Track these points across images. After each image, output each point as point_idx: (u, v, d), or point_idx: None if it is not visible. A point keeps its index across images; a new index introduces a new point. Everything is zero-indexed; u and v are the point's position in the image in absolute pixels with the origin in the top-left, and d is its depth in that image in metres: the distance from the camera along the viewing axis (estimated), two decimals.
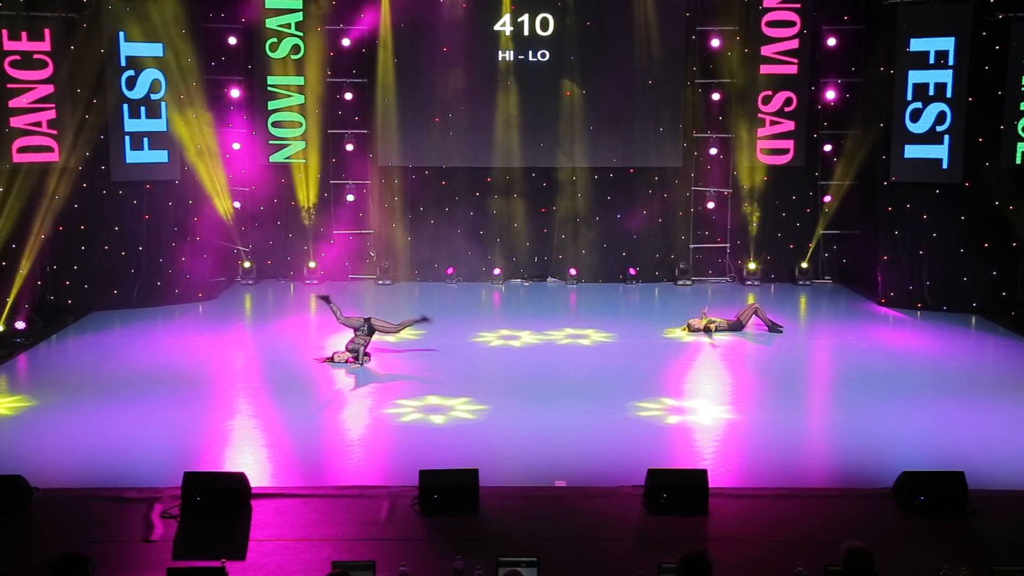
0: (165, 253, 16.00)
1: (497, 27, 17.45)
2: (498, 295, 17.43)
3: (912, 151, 15.55)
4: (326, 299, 12.92)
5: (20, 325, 13.76)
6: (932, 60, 15.28)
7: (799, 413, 10.55)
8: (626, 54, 17.48)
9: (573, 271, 18.13)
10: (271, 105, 17.57)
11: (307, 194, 17.76)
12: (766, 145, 17.62)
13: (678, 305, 16.03)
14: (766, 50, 17.29)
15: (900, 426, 9.99)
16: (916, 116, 15.43)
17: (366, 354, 12.26)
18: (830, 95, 17.47)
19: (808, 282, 17.87)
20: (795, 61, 17.28)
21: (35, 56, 14.64)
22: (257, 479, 8.34)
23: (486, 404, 10.63)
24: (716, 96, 17.66)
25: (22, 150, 14.57)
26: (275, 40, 17.38)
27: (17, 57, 14.47)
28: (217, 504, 7.81)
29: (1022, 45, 14.75)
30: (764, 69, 17.33)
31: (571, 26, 17.44)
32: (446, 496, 7.86)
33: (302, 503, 7.98)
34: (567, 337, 13.80)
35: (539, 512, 7.81)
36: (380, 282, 17.81)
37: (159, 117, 15.65)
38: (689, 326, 13.99)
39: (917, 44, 15.36)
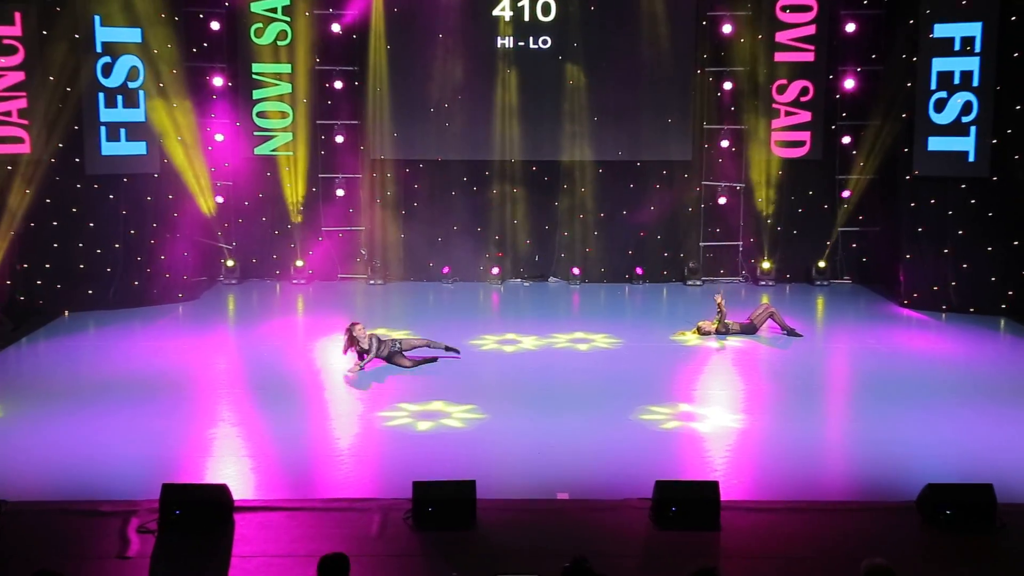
0: (143, 251, 15.95)
1: (496, 12, 17.41)
2: (497, 296, 17.42)
3: (936, 143, 15.50)
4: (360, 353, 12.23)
5: None
6: (958, 47, 15.23)
7: (816, 421, 10.51)
8: (632, 41, 17.45)
9: (576, 271, 18.12)
10: (256, 94, 17.53)
11: (294, 189, 17.73)
12: (781, 137, 17.60)
13: (687, 306, 16.04)
14: (781, 36, 17.25)
15: (924, 435, 9.95)
16: (940, 106, 15.39)
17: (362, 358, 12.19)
18: (849, 84, 17.43)
19: (826, 282, 17.85)
20: (812, 48, 17.24)
21: (5, 41, 14.60)
22: (240, 491, 8.28)
23: (484, 412, 10.61)
24: (728, 85, 17.62)
25: None
26: (260, 25, 17.33)
27: None
28: (197, 518, 7.75)
29: None
30: (779, 57, 17.28)
31: (574, 11, 17.40)
32: (441, 509, 7.79)
33: (288, 517, 7.93)
34: (569, 341, 13.79)
35: (540, 526, 7.78)
36: (371, 282, 17.80)
37: (137, 106, 15.61)
38: (699, 329, 13.95)
39: (941, 30, 15.30)
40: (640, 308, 16.68)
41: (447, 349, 12.52)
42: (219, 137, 17.51)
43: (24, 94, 14.70)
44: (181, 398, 11.11)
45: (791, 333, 13.95)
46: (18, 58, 14.64)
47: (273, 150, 17.71)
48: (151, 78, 15.61)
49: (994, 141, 15.14)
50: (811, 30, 17.23)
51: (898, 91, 16.08)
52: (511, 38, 17.44)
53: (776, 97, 17.41)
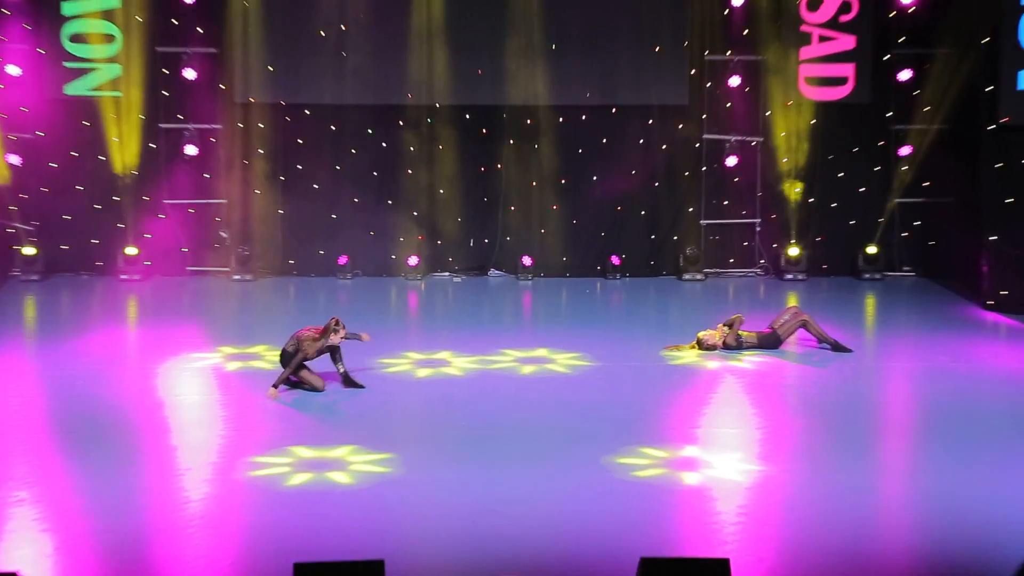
0: None
1: None
2: (415, 296, 17.38)
3: None
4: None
5: None
6: None
7: (866, 473, 10.44)
8: None
9: (527, 260, 18.12)
10: (68, 8, 17.26)
11: (124, 145, 17.54)
12: (813, 72, 17.66)
13: (684, 310, 16.00)
14: None
15: (1019, 492, 9.95)
16: None
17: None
18: None
19: (878, 275, 17.97)
20: None
21: None
22: None
23: (396, 461, 10.47)
24: (739, 0, 17.67)
25: None
26: None
27: None
28: None
29: None
30: None
31: None
32: None
33: None
34: (517, 360, 13.69)
35: None
36: (236, 277, 17.70)
37: None
38: (700, 343, 13.90)
39: None
40: (618, 313, 16.58)
41: (346, 381, 12.45)
42: (13, 70, 17.21)
43: None
44: None
45: (836, 347, 13.91)
46: None
47: (93, 89, 17.48)
48: None
49: None
50: None
51: (976, 7, 16.17)
52: None
53: (806, 16, 17.50)
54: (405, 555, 8.39)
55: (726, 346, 13.84)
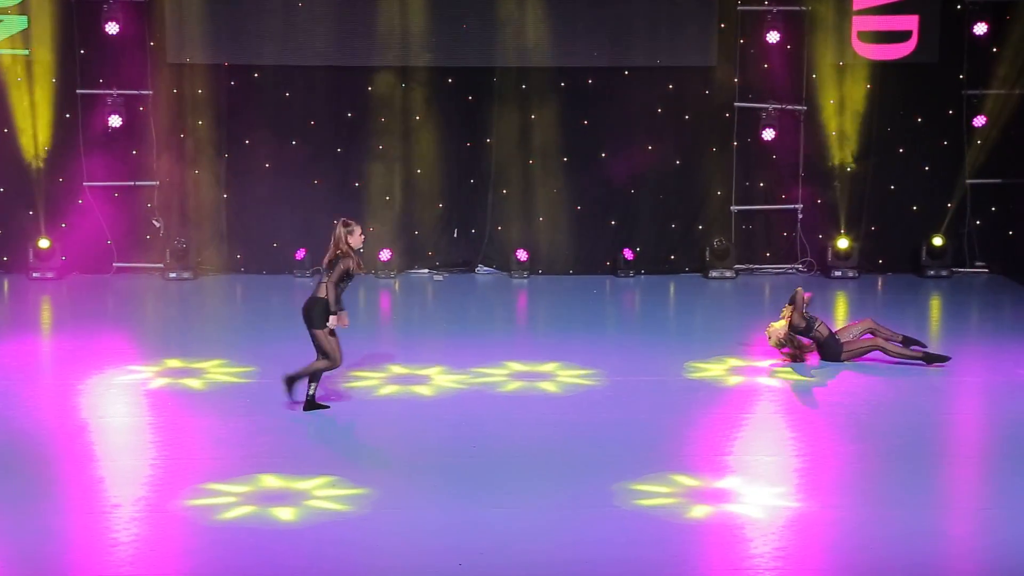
0: None
1: None
2: (388, 297, 17.42)
3: None
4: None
5: None
6: None
7: (927, 510, 10.40)
8: None
9: (522, 254, 18.17)
10: None
11: (32, 114, 17.59)
12: (868, 24, 17.71)
13: (710, 314, 15.97)
14: None
15: None
16: None
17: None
18: None
19: (946, 272, 18.02)
20: None
21: None
22: None
23: (363, 494, 10.48)
24: None
25: None
26: None
27: None
28: None
29: None
30: None
31: None
32: None
33: None
34: (511, 375, 13.73)
35: None
36: (173, 275, 17.74)
37: None
38: (772, 334, 13.88)
39: None
40: (632, 317, 16.63)
41: (309, 404, 12.48)
42: None
43: None
44: None
45: (929, 358, 13.89)
46: None
47: None
48: None
49: None
50: None
51: None
52: None
53: None
54: None
55: (792, 328, 13.78)
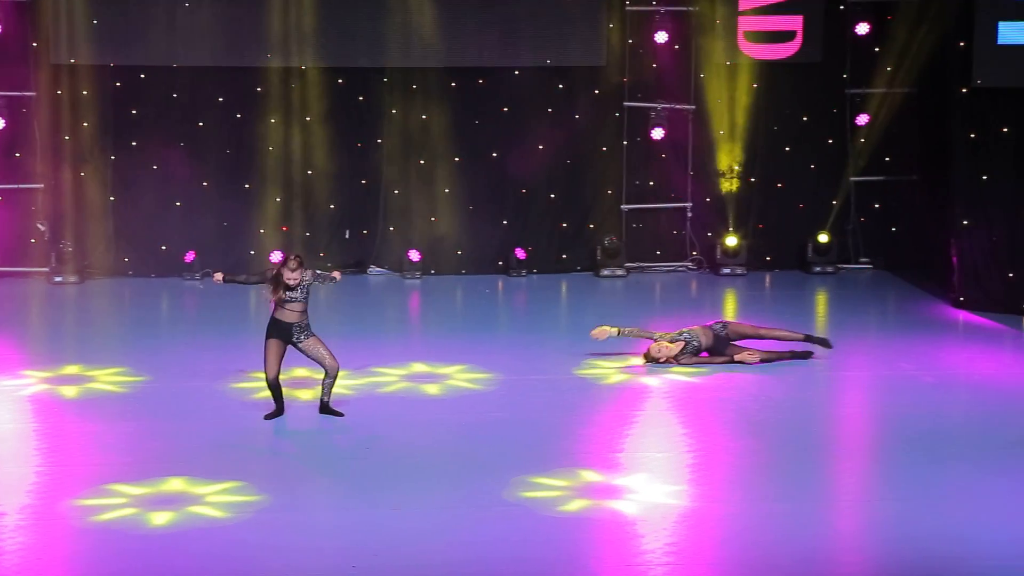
0: None
1: None
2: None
3: (1010, 32, 15.72)
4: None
5: None
6: None
7: (813, 501, 10.52)
8: None
9: (415, 255, 18.10)
10: None
11: None
12: (754, 24, 17.76)
13: (601, 312, 15.90)
14: None
15: (994, 520, 9.98)
16: None
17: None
18: None
19: (830, 268, 18.14)
20: None
21: None
22: None
23: (261, 495, 10.39)
24: None
25: None
26: None
27: None
28: None
29: None
30: None
31: None
32: None
33: None
34: (403, 377, 13.71)
35: None
36: (58, 279, 17.49)
37: None
38: (648, 354, 13.91)
39: None
40: (523, 317, 16.65)
41: (324, 408, 12.45)
42: None
43: None
44: None
45: (809, 340, 13.98)
46: None
47: None
48: None
49: None
50: None
51: None
52: None
53: None
54: None
55: (682, 355, 13.84)
